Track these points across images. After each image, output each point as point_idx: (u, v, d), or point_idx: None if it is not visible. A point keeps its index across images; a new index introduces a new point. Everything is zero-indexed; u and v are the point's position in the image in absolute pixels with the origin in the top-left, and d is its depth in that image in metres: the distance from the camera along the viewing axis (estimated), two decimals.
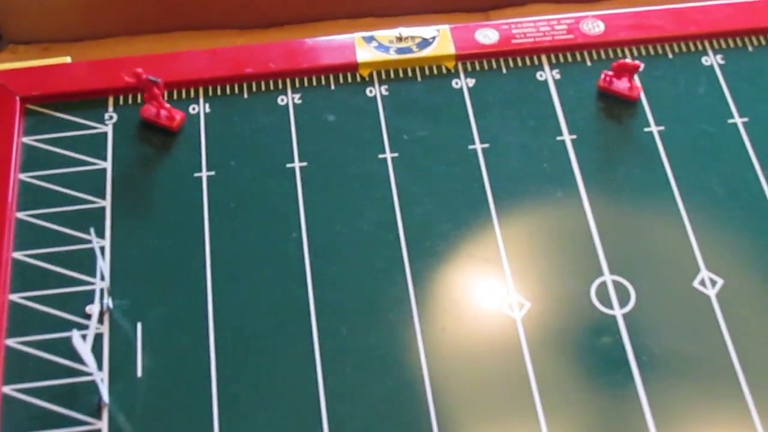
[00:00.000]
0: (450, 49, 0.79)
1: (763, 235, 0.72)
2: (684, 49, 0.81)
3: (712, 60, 0.81)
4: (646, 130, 0.77)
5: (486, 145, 0.76)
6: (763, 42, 0.82)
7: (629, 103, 0.78)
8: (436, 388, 0.65)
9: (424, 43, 0.80)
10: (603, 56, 0.80)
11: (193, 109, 0.77)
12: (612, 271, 0.70)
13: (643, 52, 0.80)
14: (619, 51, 0.80)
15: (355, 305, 0.68)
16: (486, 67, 0.80)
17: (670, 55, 0.81)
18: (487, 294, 0.69)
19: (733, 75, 0.80)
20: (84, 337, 0.60)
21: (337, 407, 0.64)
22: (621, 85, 0.77)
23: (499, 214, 0.72)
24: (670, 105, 0.78)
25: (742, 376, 0.66)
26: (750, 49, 0.81)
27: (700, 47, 0.81)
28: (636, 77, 0.78)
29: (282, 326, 0.67)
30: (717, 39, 0.81)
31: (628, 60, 0.77)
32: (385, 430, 0.63)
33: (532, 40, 0.80)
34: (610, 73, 0.78)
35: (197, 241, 0.71)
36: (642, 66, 0.77)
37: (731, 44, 0.81)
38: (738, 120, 0.78)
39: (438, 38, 0.80)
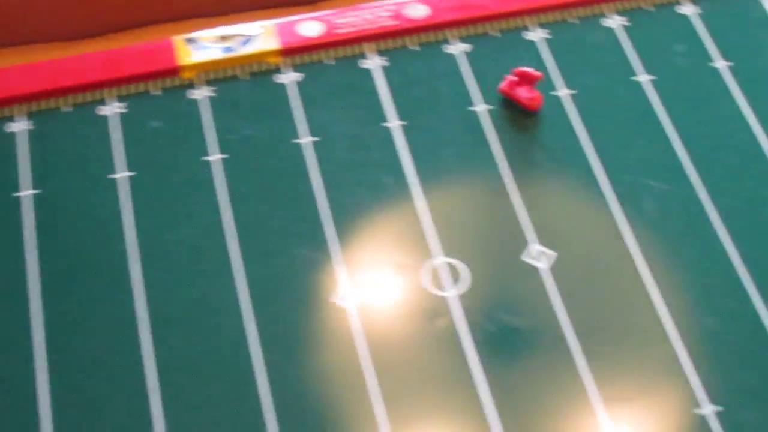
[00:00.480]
0: (274, 45, 0.78)
1: (589, 205, 0.73)
2: (508, 26, 0.82)
3: (535, 35, 0.82)
4: (469, 108, 0.77)
5: (316, 139, 0.75)
6: (589, 14, 0.84)
7: (458, 84, 0.78)
8: (274, 387, 0.65)
9: (247, 40, 0.79)
10: (431, 39, 0.81)
11: (9, 127, 0.75)
12: (445, 253, 0.71)
13: (472, 32, 0.81)
14: (447, 33, 0.81)
15: (187, 311, 0.67)
16: (312, 60, 0.79)
17: (495, 33, 0.82)
18: (318, 287, 0.68)
19: (560, 48, 0.81)
20: None
21: (174, 415, 0.63)
22: (522, 93, 0.76)
23: (331, 206, 0.72)
24: (494, 84, 0.79)
25: (576, 347, 0.67)
26: (573, 21, 0.83)
27: (522, 24, 0.82)
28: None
29: (112, 339, 0.66)
30: (541, 14, 0.82)
31: (531, 69, 0.76)
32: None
33: (356, 29, 0.80)
34: (515, 79, 0.76)
35: (19, 261, 0.69)
36: (542, 76, 0.76)
37: (554, 18, 0.83)
38: (567, 92, 0.79)
39: (261, 34, 0.79)
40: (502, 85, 0.77)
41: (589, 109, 0.77)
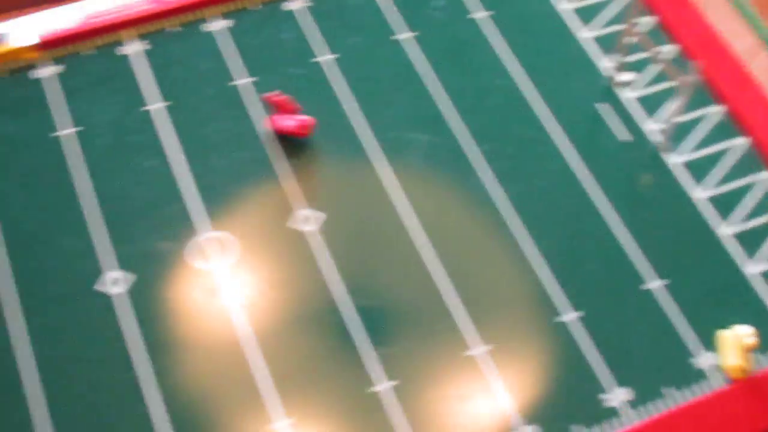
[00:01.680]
0: (31, 40, 0.78)
1: (356, 162, 0.74)
2: None
3: (296, 4, 0.82)
4: (230, 84, 0.78)
5: (80, 128, 0.75)
6: None
7: (218, 61, 0.79)
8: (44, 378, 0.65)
9: (2, 38, 0.78)
10: (190, 19, 0.81)
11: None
12: (213, 228, 0.71)
13: (232, 8, 0.82)
14: (206, 11, 0.81)
15: None
16: (73, 51, 0.79)
17: (254, 8, 0.82)
18: (82, 276, 0.68)
19: (321, 15, 0.82)
20: None
21: None
22: (288, 122, 0.75)
23: (97, 194, 0.72)
24: (258, 56, 0.79)
25: (349, 304, 0.68)
26: None
27: None
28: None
29: None
30: None
31: (276, 96, 0.74)
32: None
33: (114, 15, 0.79)
34: (274, 116, 0.75)
35: None
36: (299, 108, 0.75)
37: None
38: (326, 57, 0.80)
39: (16, 31, 0.78)
40: (268, 123, 0.76)
41: (353, 71, 0.79)
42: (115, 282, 0.68)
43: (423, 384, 0.65)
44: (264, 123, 0.75)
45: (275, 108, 0.75)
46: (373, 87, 0.78)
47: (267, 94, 0.74)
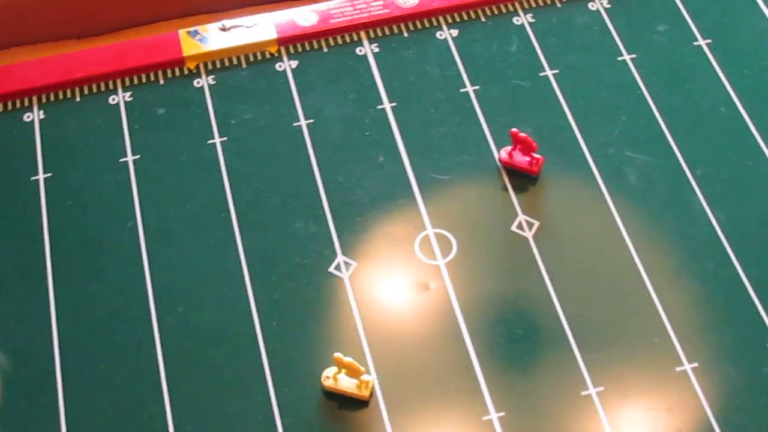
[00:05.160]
0: (272, 35, 0.83)
1: (573, 177, 0.77)
2: (496, 11, 0.86)
3: (522, 19, 0.86)
4: (462, 90, 0.81)
5: (310, 121, 0.80)
6: None
7: (445, 66, 0.82)
8: (270, 354, 0.69)
9: (247, 31, 0.83)
10: (419, 26, 0.85)
11: (28, 117, 0.80)
12: (434, 225, 0.75)
13: (458, 19, 0.85)
14: (434, 21, 0.85)
15: (191, 283, 0.72)
16: (308, 48, 0.84)
17: (483, 19, 0.85)
18: (316, 259, 0.72)
19: (543, 31, 0.85)
20: None
21: (178, 380, 0.68)
22: (521, 158, 0.77)
23: (324, 183, 0.76)
24: (483, 65, 0.82)
25: (560, 311, 0.70)
26: (558, 5, 0.86)
27: (511, 8, 0.86)
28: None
29: (122, 310, 0.70)
30: None
31: (523, 135, 0.76)
32: (224, 399, 0.67)
33: (350, 18, 0.84)
34: (509, 149, 0.77)
35: (36, 240, 0.74)
36: (536, 148, 0.76)
37: (540, 2, 0.86)
38: (549, 72, 0.82)
39: (260, 26, 0.84)
40: (503, 154, 0.77)
41: (574, 87, 0.81)
42: (338, 268, 0.72)
43: (628, 393, 0.67)
44: (499, 154, 0.77)
45: (516, 143, 0.76)
46: (590, 105, 0.80)
47: (515, 129, 0.76)
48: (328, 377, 0.68)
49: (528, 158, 0.77)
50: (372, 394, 0.68)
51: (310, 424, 0.66)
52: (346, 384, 0.67)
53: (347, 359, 0.66)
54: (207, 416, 0.66)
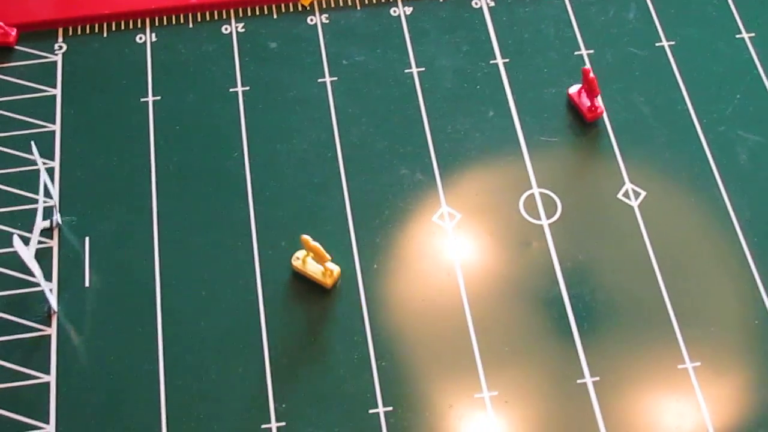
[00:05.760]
0: None
1: (684, 150, 0.75)
2: None
3: None
4: (576, 53, 0.80)
5: (422, 69, 0.79)
6: None
7: (560, 27, 0.81)
8: (368, 293, 0.69)
9: None
10: None
11: (140, 38, 0.80)
12: (540, 185, 0.74)
13: None
14: None
15: (294, 219, 0.72)
16: None
17: None
18: (420, 207, 0.72)
19: (662, 1, 0.83)
20: (28, 241, 0.63)
21: (274, 311, 0.68)
22: (585, 102, 0.77)
23: (433, 133, 0.76)
24: (599, 30, 0.81)
25: (662, 282, 0.70)
26: None
27: None
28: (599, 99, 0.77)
29: (223, 239, 0.71)
30: None
31: (593, 76, 0.75)
32: (321, 340, 0.67)
33: None
34: (580, 89, 0.77)
35: (143, 161, 0.74)
36: (599, 93, 0.76)
37: None
38: (665, 43, 0.81)
39: None
40: (571, 92, 0.77)
41: (690, 60, 0.80)
42: (441, 217, 0.72)
43: (725, 371, 0.66)
44: (569, 89, 0.77)
45: (585, 82, 0.76)
46: (705, 80, 0.79)
47: (587, 67, 0.75)
48: (298, 258, 0.68)
49: (589, 103, 0.76)
50: (336, 284, 0.68)
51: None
52: (312, 268, 0.68)
53: (314, 243, 0.66)
54: (296, 335, 0.67)
